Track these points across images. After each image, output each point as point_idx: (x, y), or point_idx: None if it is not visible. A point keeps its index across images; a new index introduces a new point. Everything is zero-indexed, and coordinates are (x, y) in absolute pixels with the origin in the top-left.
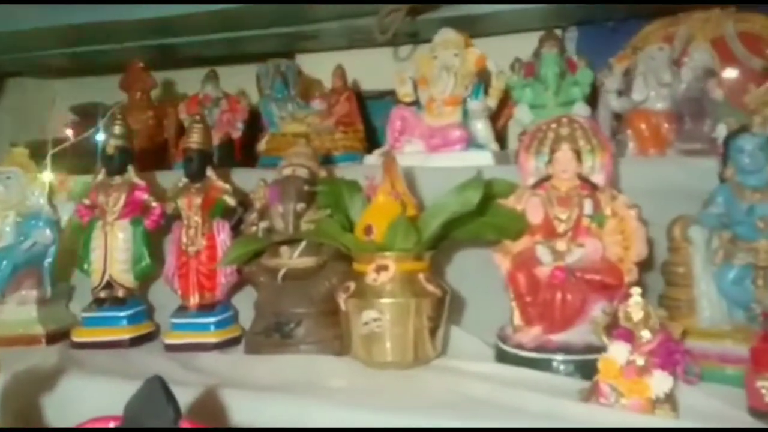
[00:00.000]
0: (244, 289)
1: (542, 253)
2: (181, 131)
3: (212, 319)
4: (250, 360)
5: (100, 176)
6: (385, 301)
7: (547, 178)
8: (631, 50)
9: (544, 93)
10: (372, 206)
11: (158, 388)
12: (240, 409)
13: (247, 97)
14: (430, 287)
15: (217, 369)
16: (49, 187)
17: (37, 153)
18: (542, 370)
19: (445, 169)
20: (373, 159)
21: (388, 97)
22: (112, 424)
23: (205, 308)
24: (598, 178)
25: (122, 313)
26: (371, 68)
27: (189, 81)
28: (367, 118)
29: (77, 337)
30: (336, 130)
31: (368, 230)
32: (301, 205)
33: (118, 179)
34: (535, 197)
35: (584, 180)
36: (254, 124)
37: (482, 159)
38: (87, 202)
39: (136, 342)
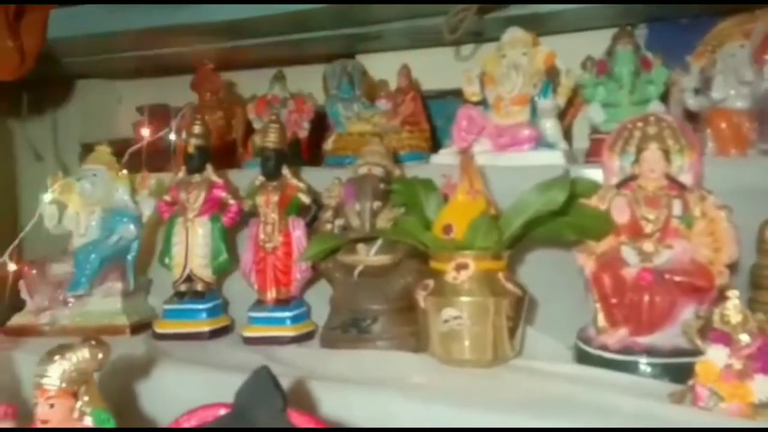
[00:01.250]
0: (314, 285)
1: (628, 254)
2: (249, 131)
3: (288, 314)
4: (328, 354)
5: (181, 174)
6: (464, 299)
7: (632, 177)
8: (708, 47)
9: (618, 91)
10: (451, 205)
11: (266, 378)
12: (328, 400)
13: (314, 98)
14: (510, 286)
15: (297, 361)
16: (132, 184)
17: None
18: (628, 372)
19: (515, 168)
20: (440, 158)
21: (450, 96)
22: (222, 411)
23: (281, 303)
24: (686, 178)
25: (202, 306)
26: (432, 68)
27: (251, 82)
28: (428, 117)
29: (159, 328)
30: (402, 130)
31: (447, 229)
32: (377, 204)
33: (197, 177)
34: (621, 197)
35: (672, 180)
36: (319, 124)
37: (553, 158)
38: (168, 198)
39: (214, 334)
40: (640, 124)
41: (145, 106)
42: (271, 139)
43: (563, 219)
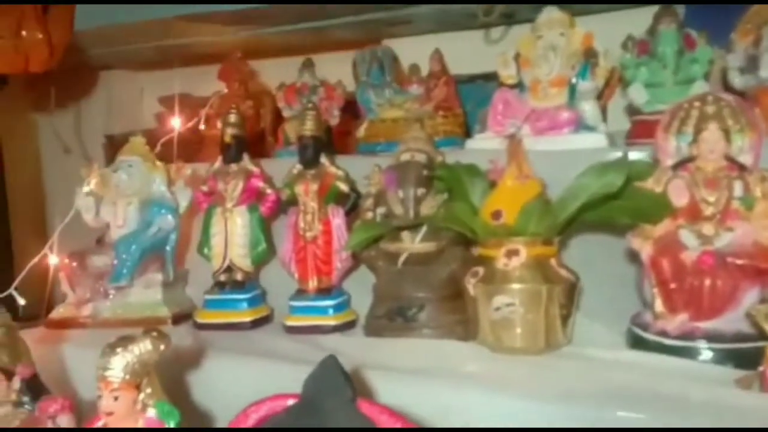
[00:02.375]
0: (352, 274)
1: (687, 237)
2: (278, 120)
3: (330, 303)
4: (375, 342)
5: (217, 164)
6: (516, 286)
7: (690, 158)
8: (749, 26)
9: (662, 71)
10: (499, 190)
11: (335, 368)
12: (383, 390)
13: (343, 85)
14: (563, 272)
15: (345, 350)
16: (168, 175)
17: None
18: (688, 358)
19: (554, 152)
20: (476, 143)
21: (479, 80)
22: (290, 402)
23: (322, 292)
24: (746, 159)
25: (242, 296)
26: (460, 52)
27: (274, 71)
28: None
29: (201, 318)
30: (436, 115)
31: (497, 214)
32: (421, 190)
33: (234, 167)
34: (678, 179)
35: (731, 160)
36: (346, 111)
37: (595, 141)
38: (205, 189)
39: (256, 324)
40: (697, 104)
41: (173, 96)
42: (309, 127)
43: (616, 202)
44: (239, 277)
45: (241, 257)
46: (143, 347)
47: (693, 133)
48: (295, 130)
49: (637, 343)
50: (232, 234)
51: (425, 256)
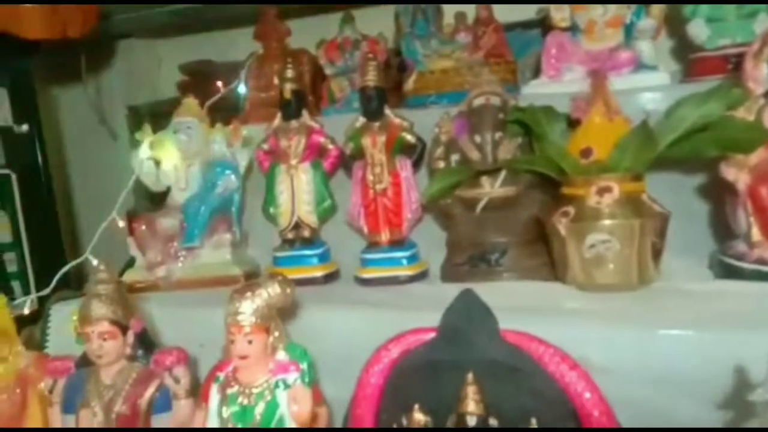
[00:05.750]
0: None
1: None
2: (318, 78)
3: (404, 254)
4: (461, 288)
5: (276, 121)
6: (610, 222)
7: None
8: None
9: (724, 5)
10: (586, 128)
11: (475, 300)
12: None
13: (385, 38)
14: (656, 207)
15: (433, 296)
16: (226, 135)
17: (156, 112)
18: None
19: (616, 93)
20: (533, 89)
21: (518, 28)
22: (430, 336)
23: (395, 244)
24: None
25: (312, 252)
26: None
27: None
28: None
29: None
30: (487, 63)
31: (586, 152)
32: (498, 134)
33: (295, 123)
34: None
35: None
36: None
37: (658, 79)
38: (266, 147)
39: (328, 279)
40: None
41: (194, 63)
42: (371, 78)
43: (705, 134)
44: (307, 233)
45: (308, 213)
46: (272, 291)
47: None
48: (340, 86)
49: (730, 273)
50: (299, 191)
51: (504, 201)
